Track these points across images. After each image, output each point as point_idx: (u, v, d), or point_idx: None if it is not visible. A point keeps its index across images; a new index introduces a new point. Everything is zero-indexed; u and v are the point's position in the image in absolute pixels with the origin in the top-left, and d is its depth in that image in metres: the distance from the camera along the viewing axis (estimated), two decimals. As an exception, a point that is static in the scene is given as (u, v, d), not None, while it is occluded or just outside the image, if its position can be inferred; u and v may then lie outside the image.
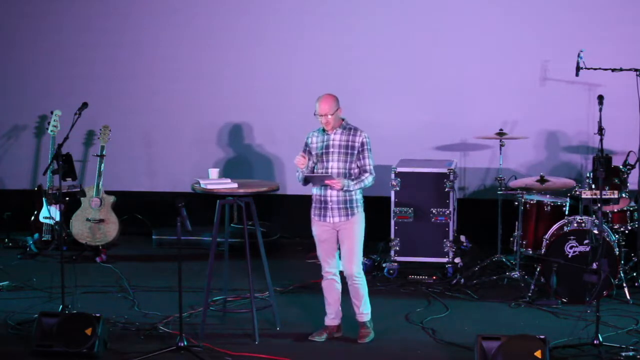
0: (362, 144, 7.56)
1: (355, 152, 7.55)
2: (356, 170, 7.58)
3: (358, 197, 7.62)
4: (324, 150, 7.58)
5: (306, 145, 7.67)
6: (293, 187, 10.83)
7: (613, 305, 8.42)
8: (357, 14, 10.58)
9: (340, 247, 7.66)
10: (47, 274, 9.23)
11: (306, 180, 7.59)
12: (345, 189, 7.50)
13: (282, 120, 10.81)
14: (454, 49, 10.43)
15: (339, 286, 7.76)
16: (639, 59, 9.63)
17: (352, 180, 7.53)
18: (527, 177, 9.72)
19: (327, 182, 7.49)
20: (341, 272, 7.76)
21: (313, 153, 7.63)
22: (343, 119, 7.63)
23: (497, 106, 10.35)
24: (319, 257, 7.76)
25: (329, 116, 7.51)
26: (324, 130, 7.60)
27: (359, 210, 7.62)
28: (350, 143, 7.56)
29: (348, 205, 7.56)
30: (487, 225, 9.81)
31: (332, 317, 7.79)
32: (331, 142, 7.57)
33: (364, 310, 7.75)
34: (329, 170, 7.54)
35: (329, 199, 7.56)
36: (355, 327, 7.81)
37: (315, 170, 7.61)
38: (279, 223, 10.77)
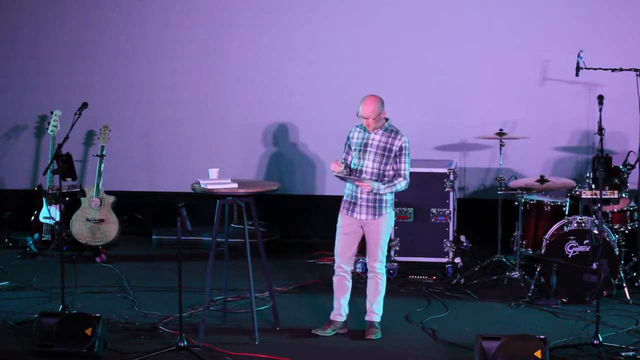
0: (401, 148, 7.59)
1: (392, 155, 7.58)
2: (391, 173, 7.61)
3: (388, 197, 7.66)
4: (362, 148, 7.64)
5: (348, 139, 7.74)
6: (300, 187, 10.86)
7: (613, 305, 8.41)
8: (356, 14, 10.56)
9: (366, 243, 7.70)
10: (47, 274, 9.22)
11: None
12: (375, 191, 7.54)
13: (283, 120, 10.80)
14: (454, 49, 10.42)
15: (349, 284, 7.78)
16: (639, 59, 9.63)
17: (384, 183, 7.56)
18: (527, 177, 9.72)
19: (357, 183, 7.56)
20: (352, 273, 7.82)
21: (352, 147, 7.70)
22: (387, 119, 7.67)
23: (497, 106, 10.34)
24: (335, 250, 7.76)
25: (371, 119, 7.56)
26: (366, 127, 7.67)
27: (387, 210, 7.66)
28: (388, 145, 7.59)
29: (377, 205, 7.60)
30: (487, 225, 9.80)
31: (339, 312, 7.80)
32: (370, 142, 7.62)
33: (376, 309, 7.76)
34: (364, 169, 7.59)
35: (358, 195, 7.61)
36: (357, 327, 7.82)
37: (352, 166, 7.68)
38: (279, 223, 10.77)
